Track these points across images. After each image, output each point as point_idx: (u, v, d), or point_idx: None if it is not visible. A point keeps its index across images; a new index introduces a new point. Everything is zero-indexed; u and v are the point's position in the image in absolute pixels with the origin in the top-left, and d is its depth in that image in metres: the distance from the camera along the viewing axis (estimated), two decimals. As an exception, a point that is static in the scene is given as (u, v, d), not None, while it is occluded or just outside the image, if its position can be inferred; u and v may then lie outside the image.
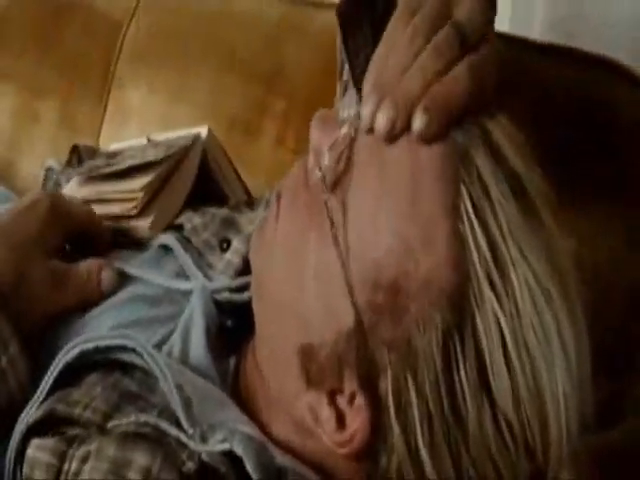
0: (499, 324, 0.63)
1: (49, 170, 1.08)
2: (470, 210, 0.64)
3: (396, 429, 0.65)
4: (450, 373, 0.64)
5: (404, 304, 0.65)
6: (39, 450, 0.71)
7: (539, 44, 1.08)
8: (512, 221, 0.65)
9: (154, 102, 1.35)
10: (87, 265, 0.86)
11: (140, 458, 0.68)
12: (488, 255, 0.64)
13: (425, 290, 0.65)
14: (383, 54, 0.71)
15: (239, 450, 0.67)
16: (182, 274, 0.89)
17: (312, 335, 0.70)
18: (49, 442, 0.71)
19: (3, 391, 0.76)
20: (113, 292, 0.86)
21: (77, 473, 0.69)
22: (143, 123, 1.35)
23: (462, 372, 0.63)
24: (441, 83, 0.68)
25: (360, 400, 0.67)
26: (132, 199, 0.93)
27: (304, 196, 0.73)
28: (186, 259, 0.90)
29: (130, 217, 0.94)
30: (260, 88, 1.26)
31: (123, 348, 0.75)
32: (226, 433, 0.68)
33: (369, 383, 0.67)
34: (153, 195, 0.94)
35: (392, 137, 0.68)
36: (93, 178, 0.99)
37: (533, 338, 0.64)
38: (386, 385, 0.65)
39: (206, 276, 0.88)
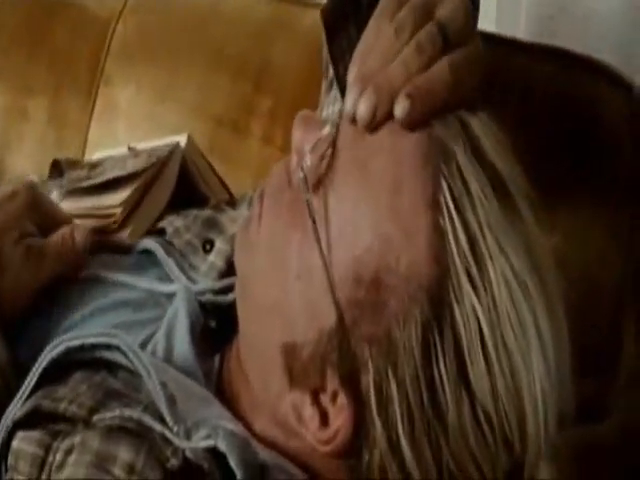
0: (477, 317, 0.64)
1: None
2: (450, 204, 0.65)
3: (378, 424, 0.66)
4: (430, 367, 0.64)
5: (385, 299, 0.66)
6: (24, 442, 0.71)
7: (523, 43, 1.09)
8: (491, 216, 0.65)
9: (142, 100, 1.35)
10: (59, 232, 0.88)
11: (124, 453, 0.68)
12: (467, 249, 0.64)
13: (405, 284, 0.65)
14: (366, 47, 0.72)
15: (222, 446, 0.67)
16: (165, 277, 0.90)
17: (295, 334, 0.70)
18: (35, 434, 0.71)
19: None
20: (98, 298, 0.87)
21: (61, 465, 0.69)
22: (131, 121, 1.36)
23: (442, 366, 0.64)
24: (423, 76, 0.69)
25: (342, 398, 0.68)
26: (111, 215, 0.94)
27: (287, 196, 0.73)
28: (169, 262, 0.90)
29: (110, 231, 0.94)
30: (247, 87, 1.27)
31: (108, 346, 0.75)
32: (210, 429, 0.68)
33: (351, 380, 0.67)
34: (132, 207, 0.95)
35: (374, 124, 0.69)
36: (73, 192, 0.99)
37: (510, 331, 0.64)
38: (367, 381, 0.66)
39: (189, 278, 0.89)
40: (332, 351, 0.68)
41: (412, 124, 0.68)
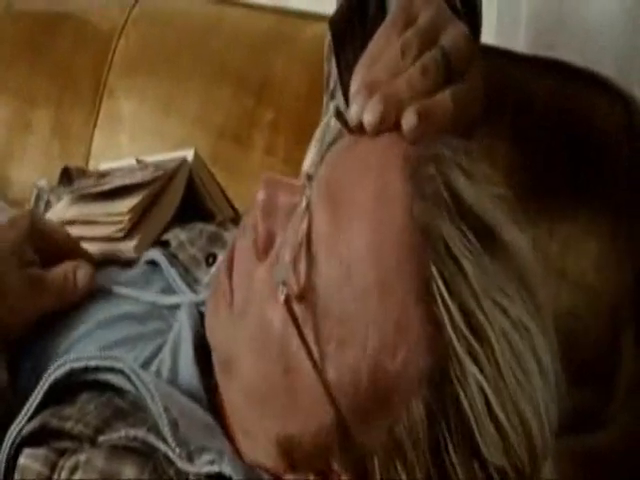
0: (483, 391, 0.63)
1: (40, 190, 1.09)
2: (443, 290, 0.63)
3: None
4: (439, 452, 0.63)
5: (385, 397, 0.64)
6: (30, 459, 0.71)
7: (522, 55, 1.10)
8: (484, 277, 0.64)
9: (145, 113, 1.36)
10: (62, 267, 0.87)
11: (128, 471, 0.69)
12: (465, 329, 0.63)
13: (404, 380, 0.64)
14: (371, 59, 0.72)
15: (227, 470, 0.66)
16: (169, 289, 0.90)
17: (290, 427, 0.68)
18: (41, 452, 0.72)
19: None
20: (102, 311, 0.86)
21: None
22: (134, 133, 1.37)
23: (450, 448, 0.63)
24: (428, 100, 0.69)
25: (347, 476, 0.67)
26: (119, 222, 0.94)
27: (259, 277, 0.70)
28: (173, 274, 0.90)
29: (116, 239, 0.95)
30: (249, 99, 1.27)
31: (111, 369, 0.75)
32: (214, 455, 0.68)
33: (356, 466, 0.67)
34: (139, 217, 0.96)
35: (378, 132, 0.69)
36: (82, 198, 1.00)
37: (516, 386, 0.64)
38: (373, 467, 0.65)
39: (193, 290, 0.89)
40: (333, 443, 0.67)
41: (415, 140, 0.68)
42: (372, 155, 0.69)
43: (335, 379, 0.66)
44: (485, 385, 0.63)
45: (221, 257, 0.90)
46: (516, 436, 0.64)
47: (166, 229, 0.97)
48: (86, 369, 0.75)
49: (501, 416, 0.63)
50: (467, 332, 0.63)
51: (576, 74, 1.04)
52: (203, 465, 0.68)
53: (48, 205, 1.07)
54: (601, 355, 1.00)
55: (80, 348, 0.83)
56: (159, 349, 0.83)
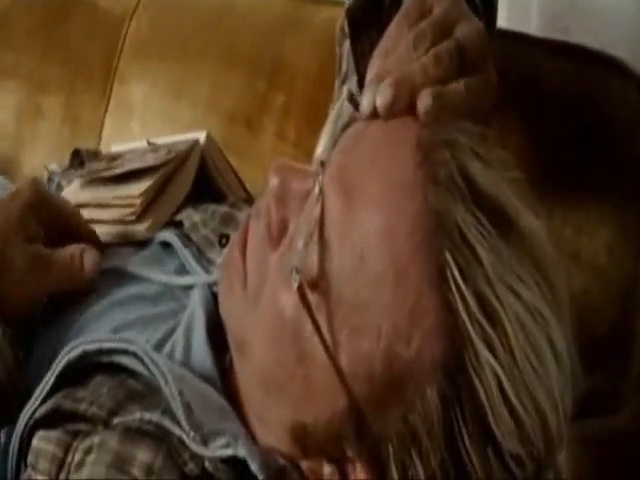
0: (497, 377, 0.62)
1: (51, 173, 1.09)
2: (458, 276, 0.63)
3: None
4: (454, 439, 0.63)
5: (399, 385, 0.64)
6: (44, 441, 0.72)
7: (535, 38, 1.10)
8: (499, 263, 0.63)
9: (156, 97, 1.36)
10: (70, 249, 0.85)
11: (143, 454, 0.69)
12: (480, 315, 0.62)
13: (418, 367, 0.64)
14: (386, 50, 0.72)
15: (242, 452, 0.67)
16: (182, 270, 0.90)
17: (304, 415, 0.68)
18: (54, 433, 0.72)
19: None
20: (115, 291, 0.87)
21: (80, 464, 0.70)
22: (145, 118, 1.37)
23: (465, 435, 0.63)
24: (442, 87, 0.69)
25: (362, 464, 0.67)
26: (131, 205, 0.94)
27: (273, 263, 0.70)
28: (186, 254, 0.91)
29: (128, 222, 0.95)
30: (261, 83, 1.27)
31: (125, 352, 0.75)
32: (229, 438, 0.68)
33: (371, 452, 0.66)
34: (152, 199, 0.96)
35: (391, 114, 0.68)
36: (93, 182, 1.00)
37: (530, 371, 0.63)
38: (388, 453, 0.65)
39: (206, 271, 0.89)
40: (347, 429, 0.67)
41: (430, 122, 0.68)
42: (384, 141, 0.69)
43: (349, 366, 0.66)
44: (499, 371, 0.62)
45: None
46: (531, 423, 0.63)
47: (179, 210, 0.97)
48: (99, 351, 0.76)
49: (515, 402, 0.63)
50: (481, 318, 0.62)
51: (590, 57, 1.04)
52: (217, 449, 0.68)
53: (59, 188, 1.07)
54: (613, 339, 1.00)
55: (93, 329, 0.83)
56: (172, 330, 0.83)
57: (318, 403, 0.68)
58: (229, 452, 0.67)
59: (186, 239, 0.93)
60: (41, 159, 1.42)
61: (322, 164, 0.69)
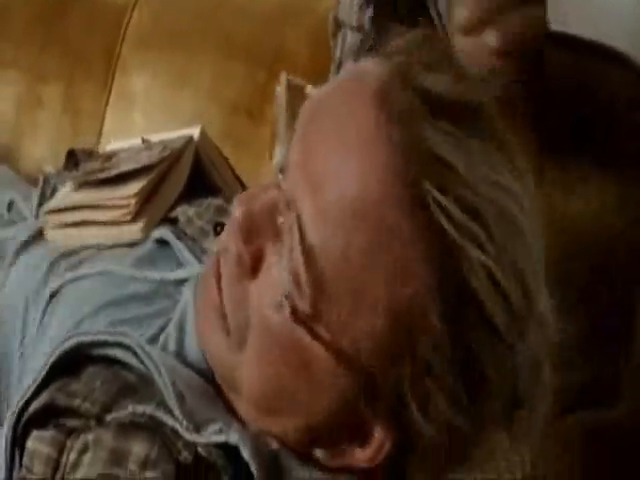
0: (489, 270, 0.63)
1: (47, 176, 1.09)
2: (438, 197, 0.63)
3: (424, 426, 0.66)
4: (465, 351, 0.64)
5: (403, 334, 0.65)
6: (38, 441, 0.71)
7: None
8: (474, 162, 0.64)
9: (157, 88, 1.36)
10: None
11: (138, 447, 0.68)
12: (465, 218, 0.63)
13: (417, 305, 0.64)
14: None
15: (234, 439, 0.67)
16: (176, 267, 0.89)
17: (316, 416, 0.68)
18: (48, 434, 0.71)
19: None
20: (108, 293, 0.86)
21: (75, 465, 0.69)
22: (146, 109, 1.37)
23: (474, 344, 0.64)
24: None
25: (382, 422, 0.68)
26: (125, 205, 0.94)
27: (257, 305, 0.69)
28: (180, 247, 0.90)
29: (123, 222, 0.95)
30: (262, 73, 1.27)
31: (119, 344, 0.75)
32: (221, 425, 0.68)
33: (388, 403, 0.67)
34: (146, 199, 0.95)
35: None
36: (87, 183, 1.00)
37: (513, 250, 0.65)
38: (405, 396, 0.65)
39: (200, 261, 0.88)
40: (361, 400, 0.67)
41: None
42: (340, 106, 0.68)
43: (352, 346, 0.66)
44: (491, 264, 0.63)
45: None
46: (517, 296, 0.65)
47: (173, 207, 0.96)
48: (93, 344, 0.75)
49: (505, 285, 0.64)
50: (466, 220, 0.63)
51: (590, 48, 1.04)
52: (211, 435, 0.68)
53: (54, 190, 1.07)
54: (614, 330, 1.01)
55: (85, 328, 0.83)
56: (165, 326, 0.83)
57: (329, 395, 0.67)
58: (222, 438, 0.67)
59: (181, 233, 0.93)
60: (41, 149, 1.43)
61: (282, 170, 0.69)
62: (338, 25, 1.02)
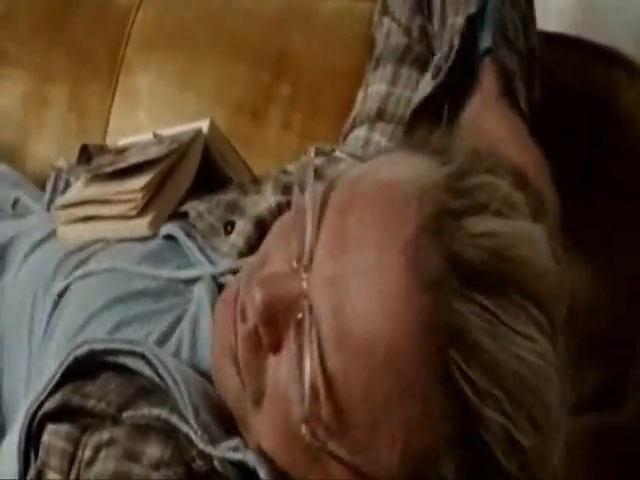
0: (507, 431, 0.64)
1: (58, 171, 1.10)
2: (463, 366, 0.64)
3: None
4: None
5: (417, 471, 0.66)
6: (54, 436, 0.72)
7: (547, 34, 1.10)
8: (499, 335, 0.64)
9: (162, 87, 1.36)
10: None
11: (152, 448, 0.69)
12: (486, 383, 0.64)
13: (433, 450, 0.65)
14: None
15: (252, 460, 0.67)
16: (187, 264, 0.89)
17: None
18: (64, 428, 0.72)
19: None
20: (116, 289, 0.87)
21: (91, 461, 0.70)
22: (151, 108, 1.36)
23: None
24: None
25: None
26: (132, 200, 0.94)
27: (275, 383, 0.69)
28: (190, 246, 0.90)
29: (130, 217, 0.94)
30: (266, 74, 1.27)
31: (132, 353, 0.76)
32: (237, 442, 0.69)
33: None
34: (154, 193, 0.95)
35: None
36: (97, 177, 1.00)
37: (532, 409, 0.65)
38: None
39: (210, 261, 0.88)
40: None
41: None
42: (371, 244, 0.67)
43: (368, 468, 0.66)
44: (509, 425, 0.64)
45: (240, 224, 0.90)
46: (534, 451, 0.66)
47: (183, 201, 0.96)
48: (105, 351, 0.76)
49: (523, 442, 0.65)
50: (488, 388, 0.64)
51: (598, 52, 1.04)
52: (226, 451, 0.68)
53: (67, 185, 1.08)
54: (619, 333, 1.00)
55: (94, 325, 0.84)
56: (175, 324, 0.83)
57: None
58: (239, 456, 0.68)
59: (191, 229, 0.92)
60: (47, 148, 1.43)
61: (306, 268, 0.68)
62: (386, 10, 1.01)
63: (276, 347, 0.69)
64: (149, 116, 1.35)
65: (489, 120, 0.87)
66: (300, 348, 0.66)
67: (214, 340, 0.75)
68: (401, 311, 0.64)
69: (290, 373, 0.67)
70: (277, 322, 0.68)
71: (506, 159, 0.74)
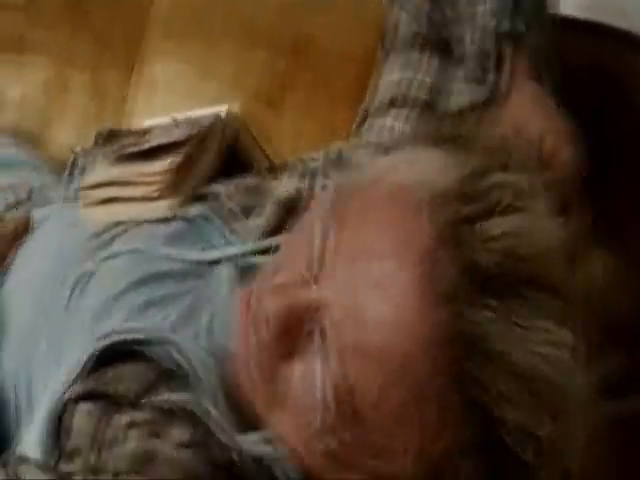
0: (522, 428, 0.65)
1: (76, 155, 1.11)
2: (476, 374, 0.65)
3: None
4: None
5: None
6: (78, 415, 0.73)
7: (562, 18, 1.09)
8: (511, 332, 0.65)
9: (181, 75, 1.37)
10: None
11: (176, 430, 0.70)
12: (501, 386, 0.65)
13: (449, 457, 0.66)
14: None
15: (270, 454, 0.69)
16: (208, 246, 0.90)
17: None
18: (87, 408, 0.73)
19: None
20: (137, 271, 0.88)
21: (114, 441, 0.71)
22: (169, 96, 1.37)
23: None
24: None
25: None
26: (154, 182, 0.95)
27: (296, 387, 0.70)
28: (212, 228, 0.91)
29: (152, 199, 0.96)
30: (283, 61, 1.28)
31: (153, 341, 0.77)
32: (257, 437, 0.70)
33: None
34: (176, 175, 0.96)
35: None
36: (120, 158, 1.01)
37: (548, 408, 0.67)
38: None
39: (231, 243, 0.89)
40: None
41: None
42: (384, 252, 0.68)
43: (384, 473, 0.68)
44: (526, 423, 0.65)
45: (260, 208, 0.90)
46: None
47: (203, 184, 0.97)
48: (133, 341, 0.77)
49: (539, 432, 0.65)
50: (504, 389, 0.64)
51: (612, 35, 1.04)
52: (246, 443, 0.70)
53: (83, 171, 1.08)
54: (634, 319, 1.00)
55: (119, 307, 0.85)
56: (195, 307, 0.83)
57: None
58: (257, 451, 0.69)
59: (211, 213, 0.93)
60: (68, 134, 1.44)
61: (319, 276, 0.69)
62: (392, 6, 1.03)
63: (290, 355, 0.70)
64: (166, 103, 1.36)
65: (521, 100, 0.90)
66: (314, 356, 0.68)
67: (234, 338, 0.76)
68: (416, 324, 0.65)
69: (304, 380, 0.68)
70: (290, 331, 0.69)
71: (530, 136, 0.76)
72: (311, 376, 0.67)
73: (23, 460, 0.72)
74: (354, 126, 1.05)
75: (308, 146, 1.08)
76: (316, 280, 0.69)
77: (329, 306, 0.67)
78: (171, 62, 1.38)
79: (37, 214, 1.03)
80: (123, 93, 1.42)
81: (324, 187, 0.79)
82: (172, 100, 1.36)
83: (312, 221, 0.72)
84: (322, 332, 0.67)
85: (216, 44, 1.34)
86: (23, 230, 0.96)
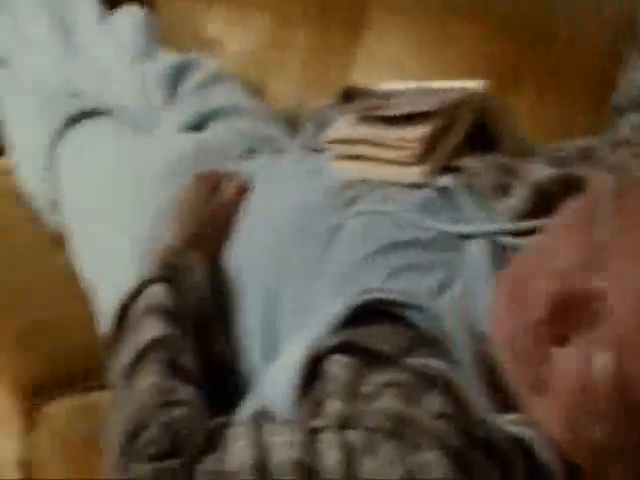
0: None
1: (319, 108, 1.16)
2: None
3: None
4: None
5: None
6: (336, 365, 0.74)
7: None
8: None
9: (408, 51, 1.39)
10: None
11: (433, 398, 0.70)
12: None
13: None
14: None
15: (532, 437, 0.70)
16: (458, 218, 0.90)
17: None
18: (348, 360, 0.74)
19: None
20: (385, 235, 0.88)
21: (372, 396, 0.71)
22: (394, 70, 1.39)
23: None
24: None
25: None
26: (410, 148, 0.98)
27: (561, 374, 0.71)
28: (466, 201, 0.91)
29: (405, 164, 0.98)
30: (521, 50, 1.28)
31: (409, 305, 0.77)
32: (517, 417, 0.71)
33: None
34: (428, 144, 0.98)
35: None
36: (367, 119, 1.04)
37: None
38: None
39: (487, 220, 0.88)
40: None
41: None
42: None
43: None
44: None
45: (516, 187, 0.89)
46: None
47: (454, 156, 0.98)
48: (382, 301, 0.78)
49: None
50: None
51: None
52: (505, 423, 0.71)
53: (322, 124, 1.12)
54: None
55: (368, 269, 0.86)
56: (450, 279, 0.84)
57: None
58: (517, 431, 0.71)
59: (465, 186, 0.93)
60: (285, 85, 1.51)
61: (602, 267, 0.69)
62: None
63: (563, 341, 0.70)
64: (392, 68, 1.38)
65: None
66: (589, 344, 0.68)
67: (494, 319, 0.76)
68: None
69: (577, 366, 0.68)
70: (567, 317, 0.69)
71: None
72: (585, 363, 0.67)
73: (267, 417, 0.73)
74: (599, 120, 1.08)
75: (546, 129, 1.12)
76: (596, 270, 0.69)
77: (609, 296, 0.68)
78: (399, 36, 1.40)
79: (251, 167, 1.07)
80: (344, 60, 1.45)
81: (596, 178, 0.78)
82: (397, 73, 1.37)
83: (589, 211, 0.72)
84: (600, 321, 0.67)
85: (450, 24, 1.35)
86: (242, 192, 1.01)
